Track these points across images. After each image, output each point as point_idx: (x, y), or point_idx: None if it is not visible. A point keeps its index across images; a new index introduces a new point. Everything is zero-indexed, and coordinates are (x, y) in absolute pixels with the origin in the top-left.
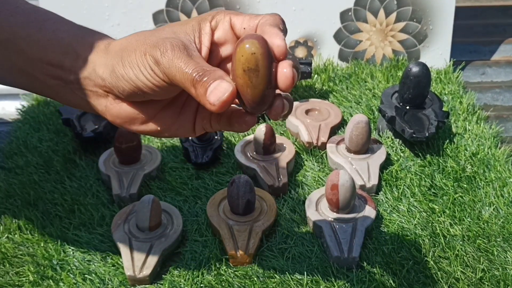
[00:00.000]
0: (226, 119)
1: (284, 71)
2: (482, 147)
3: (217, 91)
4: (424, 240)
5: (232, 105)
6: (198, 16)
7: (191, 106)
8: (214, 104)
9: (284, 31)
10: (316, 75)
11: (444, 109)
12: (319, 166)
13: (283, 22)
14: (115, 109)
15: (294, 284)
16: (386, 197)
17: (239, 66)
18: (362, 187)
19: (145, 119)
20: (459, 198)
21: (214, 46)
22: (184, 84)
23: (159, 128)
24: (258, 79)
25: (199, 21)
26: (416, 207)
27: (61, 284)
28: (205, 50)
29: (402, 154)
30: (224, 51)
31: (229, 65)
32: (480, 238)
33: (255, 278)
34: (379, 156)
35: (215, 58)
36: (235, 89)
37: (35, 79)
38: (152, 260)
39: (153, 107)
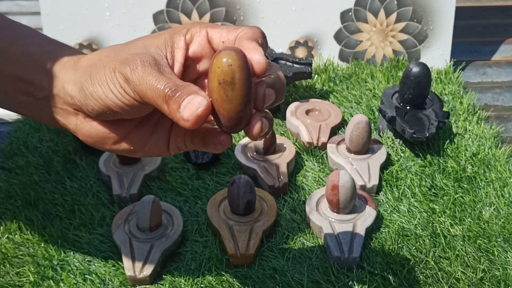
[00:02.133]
0: (200, 138)
1: (260, 90)
2: (482, 147)
3: (190, 105)
4: (424, 240)
5: (206, 124)
6: (172, 29)
7: (165, 125)
8: (188, 119)
9: (264, 45)
10: (316, 75)
11: (444, 109)
12: (319, 167)
13: (264, 36)
14: (85, 128)
15: (295, 284)
16: (387, 197)
17: (215, 78)
18: (363, 187)
19: (117, 139)
20: (460, 198)
21: (190, 61)
22: (156, 102)
23: (132, 148)
24: (234, 93)
25: (172, 34)
26: (417, 207)
27: (62, 284)
28: (178, 66)
29: (402, 154)
30: (201, 66)
31: (207, 81)
32: (480, 238)
33: (256, 279)
34: (380, 156)
35: (192, 73)
36: (210, 103)
37: (7, 96)
38: (153, 260)
39: (124, 126)
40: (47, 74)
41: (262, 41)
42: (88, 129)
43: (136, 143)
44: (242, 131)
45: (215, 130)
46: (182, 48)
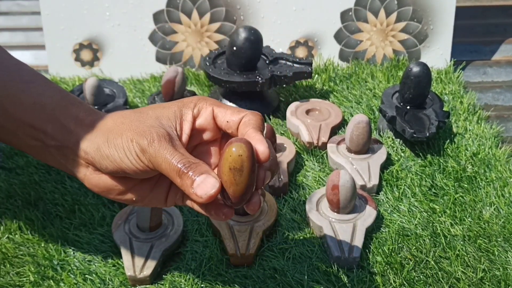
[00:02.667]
0: (201, 204)
1: (260, 173)
2: (482, 147)
3: (204, 185)
4: (425, 240)
5: None
6: (181, 101)
7: (165, 182)
8: (201, 197)
9: (263, 130)
10: (316, 75)
11: (444, 109)
12: (319, 166)
13: (263, 122)
14: (94, 179)
15: (295, 284)
16: (387, 197)
17: (226, 164)
18: (363, 187)
19: (122, 191)
20: (460, 198)
21: (195, 131)
22: (169, 174)
23: (134, 199)
24: (241, 178)
25: (180, 107)
26: (417, 207)
27: (62, 284)
28: (185, 137)
29: (402, 154)
30: (204, 136)
31: (212, 148)
32: (481, 238)
33: (256, 278)
34: (380, 156)
35: (195, 141)
36: (221, 184)
37: (15, 137)
38: (153, 260)
39: (130, 181)
40: (62, 127)
41: (263, 128)
42: (97, 180)
43: (138, 195)
44: None
45: (219, 201)
46: (189, 122)
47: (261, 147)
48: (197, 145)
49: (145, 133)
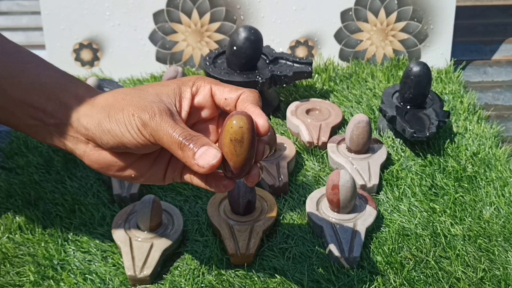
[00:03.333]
0: (202, 177)
1: (260, 147)
2: (483, 146)
3: (206, 156)
4: (425, 240)
5: None
6: (179, 79)
7: (164, 158)
8: (203, 167)
9: (261, 106)
10: (316, 75)
11: (444, 108)
12: (319, 166)
13: (261, 99)
14: (94, 156)
15: (295, 284)
16: (387, 197)
17: (227, 136)
18: (363, 186)
19: (121, 167)
20: (460, 197)
21: (193, 109)
22: (171, 146)
23: (133, 175)
24: (241, 149)
25: (179, 85)
26: (417, 206)
27: (62, 284)
28: (184, 114)
29: (402, 154)
30: (203, 113)
31: (210, 126)
32: (481, 237)
33: (256, 278)
34: (380, 155)
35: (193, 119)
36: (222, 155)
37: (14, 117)
38: (153, 260)
39: (130, 157)
40: (61, 105)
41: (261, 104)
42: (97, 156)
43: (137, 172)
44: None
45: (219, 173)
46: (188, 99)
47: (261, 121)
48: (195, 123)
49: (146, 108)
